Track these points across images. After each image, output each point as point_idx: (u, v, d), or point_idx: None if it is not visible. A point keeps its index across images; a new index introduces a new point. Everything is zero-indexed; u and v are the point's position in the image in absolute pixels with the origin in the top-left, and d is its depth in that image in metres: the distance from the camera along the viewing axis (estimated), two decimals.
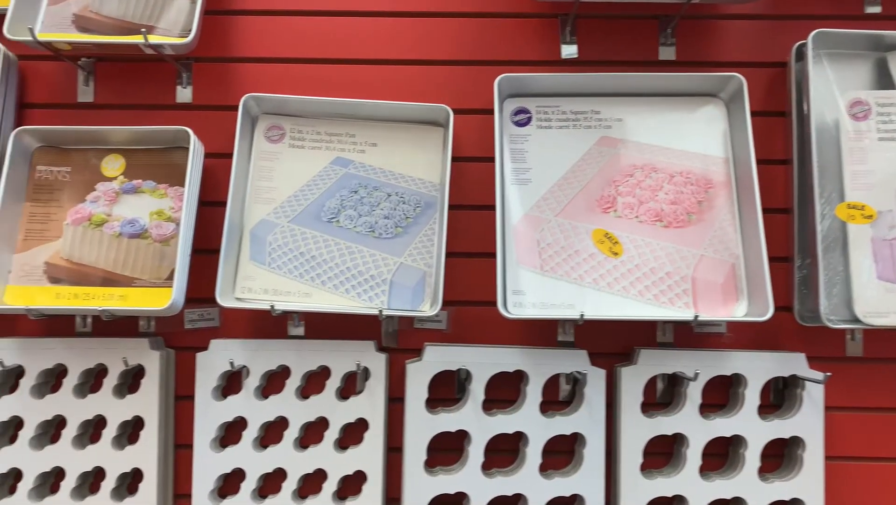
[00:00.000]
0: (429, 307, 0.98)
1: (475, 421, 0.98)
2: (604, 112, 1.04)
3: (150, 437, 0.99)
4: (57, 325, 1.03)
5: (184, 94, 1.07)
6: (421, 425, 0.98)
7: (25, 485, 0.98)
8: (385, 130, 1.05)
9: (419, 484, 0.97)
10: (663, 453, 1.01)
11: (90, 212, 1.00)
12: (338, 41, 1.08)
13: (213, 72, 1.08)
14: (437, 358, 0.99)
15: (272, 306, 0.93)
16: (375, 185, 1.04)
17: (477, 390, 0.98)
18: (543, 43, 1.08)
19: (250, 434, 1.00)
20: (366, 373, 0.99)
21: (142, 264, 0.98)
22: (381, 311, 0.93)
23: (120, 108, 1.07)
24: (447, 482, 0.98)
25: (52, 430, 1.02)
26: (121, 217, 1.00)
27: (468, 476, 0.97)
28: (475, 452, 0.98)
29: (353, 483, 1.00)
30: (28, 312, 0.92)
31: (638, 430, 0.97)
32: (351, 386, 1.02)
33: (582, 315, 0.91)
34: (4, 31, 0.96)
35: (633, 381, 0.98)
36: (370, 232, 1.01)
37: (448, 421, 0.98)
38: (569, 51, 1.07)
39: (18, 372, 1.01)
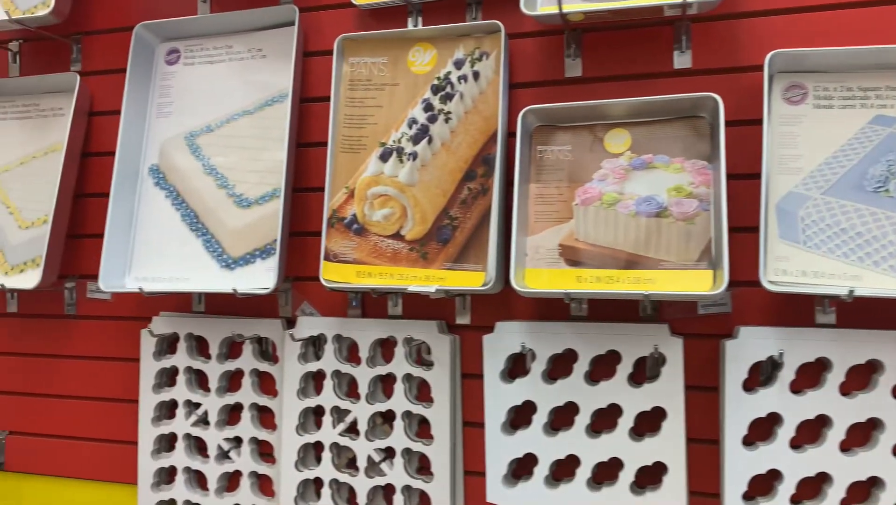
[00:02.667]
0: None
1: None
2: None
3: (674, 429, 0.92)
4: (550, 307, 1.01)
5: (682, 59, 0.98)
6: None
7: (541, 471, 0.98)
8: None
9: None
10: None
11: (600, 191, 0.95)
12: None
13: (713, 31, 0.97)
14: None
15: (850, 291, 0.81)
16: None
17: None
18: None
19: (786, 433, 0.89)
20: None
21: (666, 245, 0.91)
22: None
23: (610, 79, 1.00)
24: None
25: (553, 416, 1.00)
26: (634, 195, 0.94)
27: None
28: None
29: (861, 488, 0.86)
30: (565, 297, 0.89)
31: None
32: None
33: None
34: (522, 7, 0.94)
35: None
36: None
37: None
38: None
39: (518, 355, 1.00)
